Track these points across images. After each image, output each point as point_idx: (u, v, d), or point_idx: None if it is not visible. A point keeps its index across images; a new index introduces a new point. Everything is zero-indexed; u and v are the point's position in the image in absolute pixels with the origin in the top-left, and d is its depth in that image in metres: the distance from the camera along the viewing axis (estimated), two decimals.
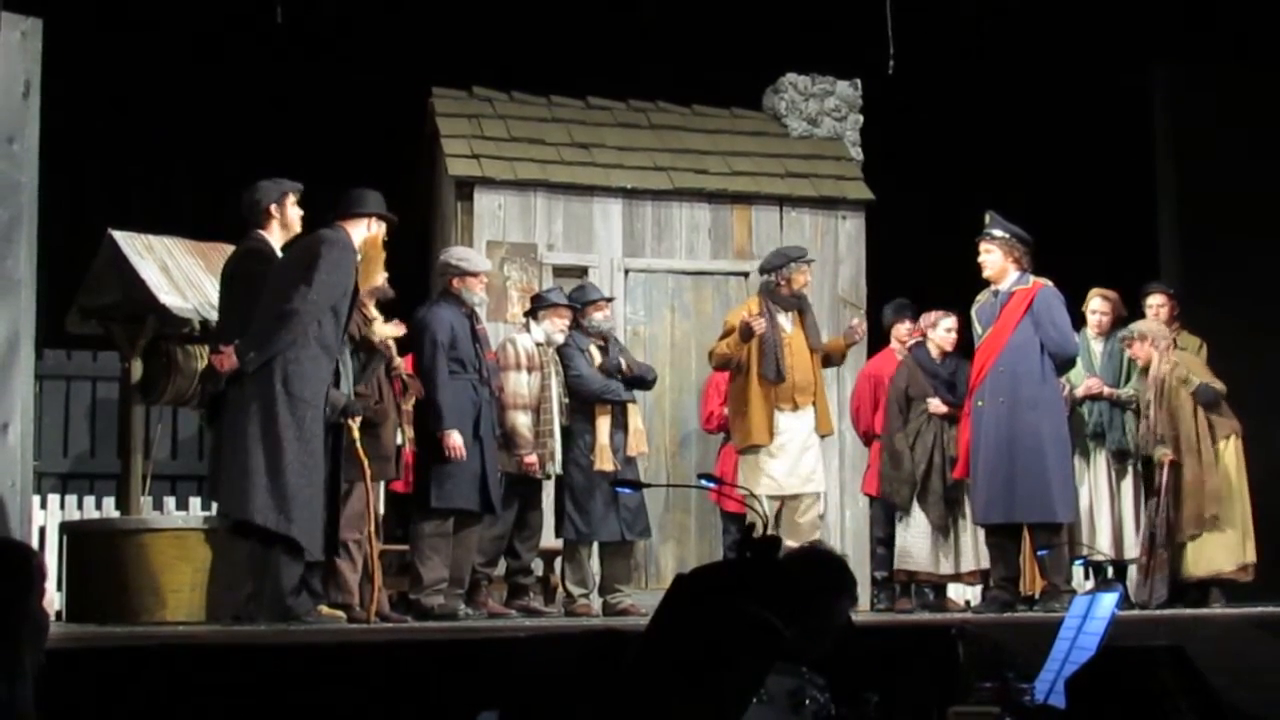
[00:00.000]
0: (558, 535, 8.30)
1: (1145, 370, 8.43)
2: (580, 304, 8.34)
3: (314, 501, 6.44)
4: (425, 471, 7.63)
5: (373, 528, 7.10)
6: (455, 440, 7.55)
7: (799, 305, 8.41)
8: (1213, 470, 8.30)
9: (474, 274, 7.95)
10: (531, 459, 7.93)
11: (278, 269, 6.58)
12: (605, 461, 8.10)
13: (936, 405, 8.53)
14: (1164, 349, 8.42)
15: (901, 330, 9.04)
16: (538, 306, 8.28)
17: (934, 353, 8.70)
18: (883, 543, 8.83)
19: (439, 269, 8.12)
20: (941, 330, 8.72)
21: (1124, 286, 8.91)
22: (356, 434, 6.87)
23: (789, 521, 8.21)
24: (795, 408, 8.30)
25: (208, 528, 7.35)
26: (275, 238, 6.79)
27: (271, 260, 6.69)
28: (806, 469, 8.25)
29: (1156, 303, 8.84)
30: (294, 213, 6.83)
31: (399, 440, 7.45)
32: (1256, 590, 8.34)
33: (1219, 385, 8.39)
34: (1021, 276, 7.99)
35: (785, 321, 8.37)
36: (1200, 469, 8.27)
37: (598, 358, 8.30)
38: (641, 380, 8.40)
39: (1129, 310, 8.82)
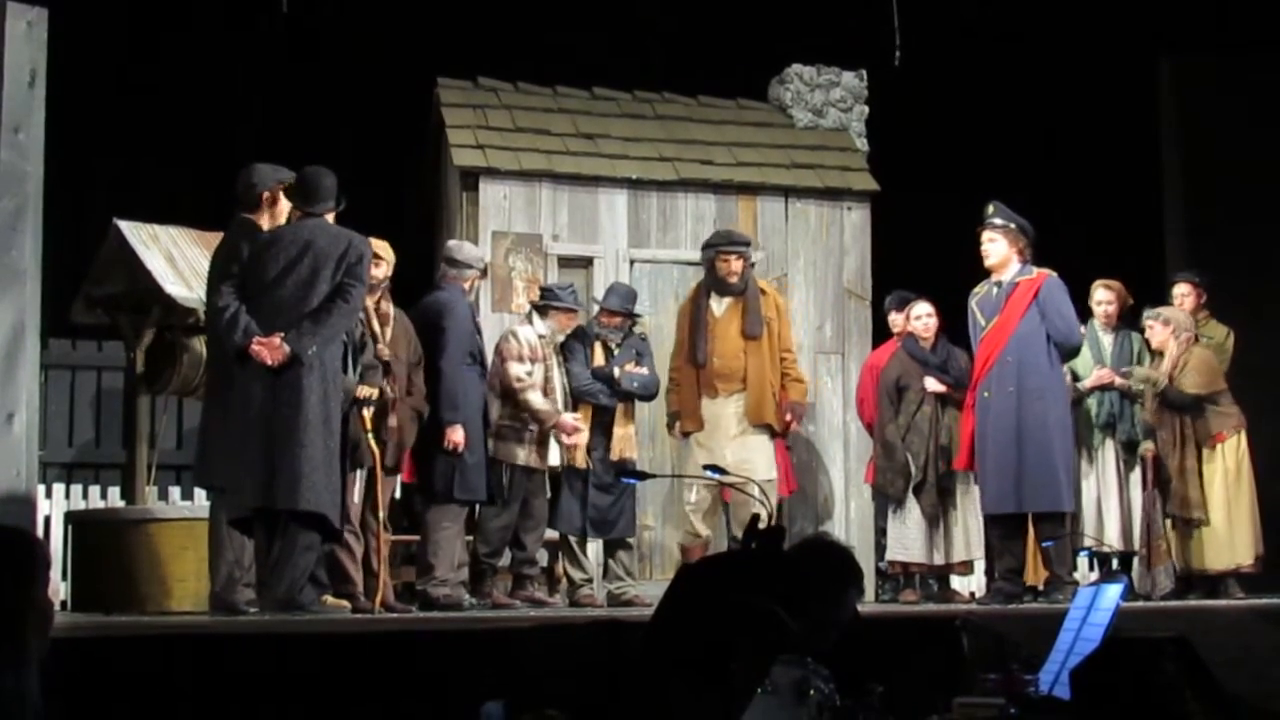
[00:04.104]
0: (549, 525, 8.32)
1: (1159, 354, 8.42)
2: (608, 309, 8.30)
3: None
4: (430, 461, 7.63)
5: (385, 516, 7.15)
6: (458, 436, 7.54)
7: (738, 290, 8.35)
8: (1194, 477, 8.27)
9: (480, 267, 8.04)
10: (573, 440, 7.95)
11: (316, 262, 6.49)
12: (578, 459, 8.10)
13: (933, 384, 8.53)
14: (1182, 341, 8.40)
15: (901, 321, 9.04)
16: (548, 302, 8.20)
17: (920, 342, 8.71)
18: (885, 534, 8.84)
19: (447, 260, 8.11)
20: (917, 319, 8.72)
21: (1129, 277, 8.89)
22: (369, 424, 6.94)
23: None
24: (716, 394, 8.30)
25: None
26: (264, 223, 6.79)
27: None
28: (733, 458, 8.03)
29: (1181, 292, 8.78)
30: (285, 203, 6.83)
31: (393, 424, 7.42)
32: (1264, 582, 8.34)
33: (1192, 390, 8.32)
34: (1024, 267, 7.96)
35: (717, 305, 8.38)
36: (1184, 476, 8.26)
37: (600, 356, 8.26)
38: (630, 395, 8.27)
39: (1137, 299, 8.79)
